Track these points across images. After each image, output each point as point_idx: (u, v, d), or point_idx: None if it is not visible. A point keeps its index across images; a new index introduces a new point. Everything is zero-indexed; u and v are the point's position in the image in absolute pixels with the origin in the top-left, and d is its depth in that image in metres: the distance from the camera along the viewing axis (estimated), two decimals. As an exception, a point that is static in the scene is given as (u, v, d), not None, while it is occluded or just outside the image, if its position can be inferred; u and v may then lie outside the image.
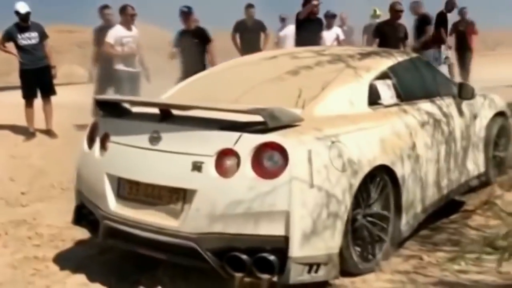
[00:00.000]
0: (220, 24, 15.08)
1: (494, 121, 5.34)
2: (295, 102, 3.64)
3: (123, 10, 7.98)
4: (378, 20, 10.35)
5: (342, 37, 10.21)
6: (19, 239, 4.74)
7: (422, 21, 9.64)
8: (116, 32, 7.88)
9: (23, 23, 7.71)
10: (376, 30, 8.87)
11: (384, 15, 9.85)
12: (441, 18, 10.26)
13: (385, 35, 8.58)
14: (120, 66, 7.90)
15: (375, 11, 10.51)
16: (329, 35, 9.81)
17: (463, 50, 10.84)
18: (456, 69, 10.75)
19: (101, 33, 8.24)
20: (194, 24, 8.34)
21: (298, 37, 8.27)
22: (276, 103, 3.38)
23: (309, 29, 8.18)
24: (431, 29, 9.59)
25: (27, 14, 7.68)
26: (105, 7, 8.50)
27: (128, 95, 7.44)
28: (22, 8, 7.65)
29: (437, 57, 9.76)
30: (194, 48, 7.95)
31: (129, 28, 7.95)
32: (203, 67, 7.84)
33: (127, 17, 7.95)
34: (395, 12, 8.65)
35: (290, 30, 10.49)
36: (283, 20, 11.09)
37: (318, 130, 3.33)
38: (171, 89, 4.41)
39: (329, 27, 9.99)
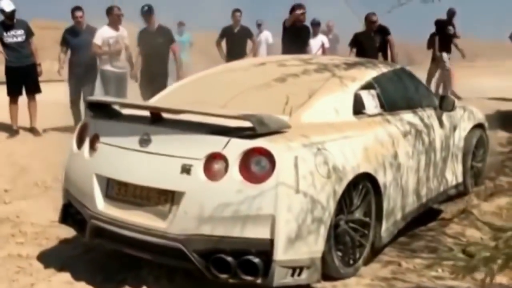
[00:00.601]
0: (209, 26, 15.21)
1: (473, 133, 5.50)
2: (282, 109, 3.73)
3: (109, 11, 8.00)
4: None
5: (327, 45, 10.35)
6: (3, 236, 4.74)
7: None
8: (103, 33, 7.91)
9: (9, 21, 7.72)
10: (353, 40, 9.14)
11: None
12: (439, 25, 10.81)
13: (362, 44, 8.88)
14: (107, 67, 7.92)
15: None
16: (314, 43, 9.95)
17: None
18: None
19: (70, 35, 8.24)
20: (157, 23, 8.12)
21: (284, 44, 8.36)
22: (264, 110, 3.47)
23: (295, 35, 8.27)
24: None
25: (13, 12, 7.69)
26: (76, 9, 8.25)
27: (115, 95, 7.47)
28: (7, 6, 7.66)
29: None
30: (157, 47, 7.89)
31: (116, 29, 7.98)
32: (165, 68, 7.89)
33: (114, 17, 7.97)
34: (370, 22, 8.96)
35: (264, 36, 10.64)
36: (259, 26, 11.20)
37: (305, 137, 3.43)
38: (161, 92, 4.47)
39: (315, 34, 10.12)
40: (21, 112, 7.96)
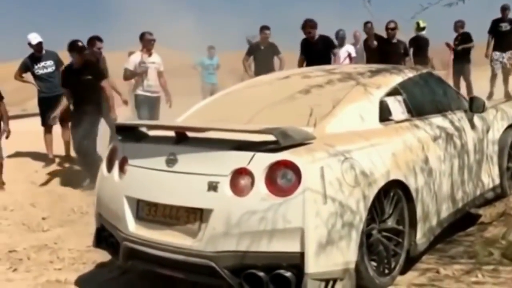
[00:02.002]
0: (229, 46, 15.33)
1: (508, 133, 5.36)
2: (306, 121, 3.71)
3: (142, 36, 8.12)
4: (423, 33, 10.43)
5: (353, 54, 10.30)
6: (41, 263, 4.84)
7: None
8: (136, 59, 8.03)
9: (37, 53, 7.93)
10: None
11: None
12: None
13: (383, 52, 9.01)
14: (139, 91, 8.03)
15: (418, 23, 10.44)
16: (341, 53, 9.90)
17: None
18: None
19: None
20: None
21: (304, 58, 8.44)
22: (288, 122, 3.46)
23: (314, 49, 8.29)
24: None
25: (39, 44, 7.90)
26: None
27: (146, 119, 7.54)
28: (34, 39, 7.89)
29: None
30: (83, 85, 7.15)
31: (149, 54, 8.08)
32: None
33: (146, 42, 8.08)
34: (387, 30, 9.28)
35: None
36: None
37: (330, 147, 3.40)
38: (186, 112, 4.52)
39: (341, 45, 10.10)
40: (55, 141, 8.12)
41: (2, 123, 7.14)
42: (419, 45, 10.31)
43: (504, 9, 10.77)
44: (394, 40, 9.38)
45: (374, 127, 3.89)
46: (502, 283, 3.61)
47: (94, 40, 7.82)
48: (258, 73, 8.95)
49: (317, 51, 8.36)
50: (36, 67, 7.92)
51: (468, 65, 10.70)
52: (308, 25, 8.40)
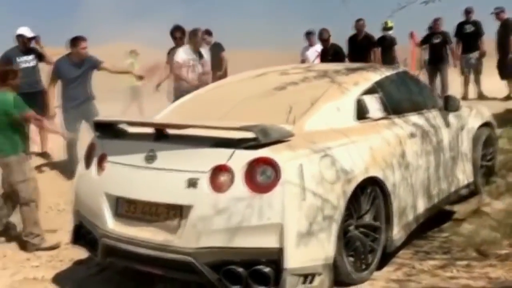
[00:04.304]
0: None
1: (481, 132, 5.47)
2: (286, 118, 3.75)
3: (194, 32, 7.91)
4: (390, 32, 10.55)
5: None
6: (18, 261, 4.80)
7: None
8: (185, 52, 7.81)
9: (23, 47, 7.77)
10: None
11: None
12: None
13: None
14: (184, 84, 7.64)
15: (386, 23, 10.54)
16: (310, 53, 10.00)
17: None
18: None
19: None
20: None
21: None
22: (267, 120, 3.49)
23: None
24: None
25: (32, 38, 7.77)
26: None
27: None
28: (29, 33, 7.71)
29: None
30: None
31: (196, 49, 7.84)
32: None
33: (195, 38, 7.88)
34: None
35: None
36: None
37: (309, 144, 3.44)
38: (165, 109, 4.52)
39: (311, 44, 10.18)
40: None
41: None
42: (386, 44, 10.43)
43: (467, 12, 10.98)
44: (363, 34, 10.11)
45: (351, 125, 3.94)
46: (476, 278, 3.70)
47: (78, 40, 7.41)
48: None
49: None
50: (18, 60, 7.77)
51: (445, 65, 10.79)
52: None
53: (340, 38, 10.27)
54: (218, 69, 9.35)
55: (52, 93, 7.39)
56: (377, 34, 10.56)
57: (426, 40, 11.03)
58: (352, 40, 10.26)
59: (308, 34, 10.25)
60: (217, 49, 9.72)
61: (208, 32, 9.86)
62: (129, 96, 13.52)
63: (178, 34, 8.44)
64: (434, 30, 10.84)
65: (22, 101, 5.14)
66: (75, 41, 7.21)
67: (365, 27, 10.23)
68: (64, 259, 4.71)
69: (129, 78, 11.16)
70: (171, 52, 8.39)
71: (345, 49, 10.14)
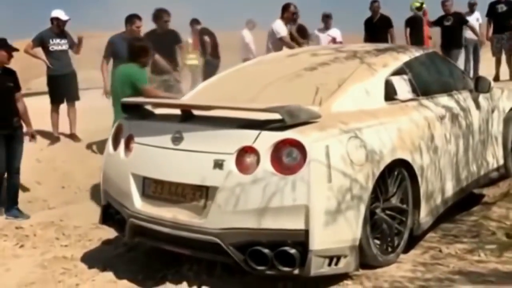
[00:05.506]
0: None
1: (513, 114, 5.35)
2: (312, 99, 3.72)
3: (286, 7, 8.08)
4: (419, 13, 10.36)
5: (339, 39, 9.99)
6: (48, 240, 4.89)
7: None
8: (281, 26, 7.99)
9: (57, 29, 7.85)
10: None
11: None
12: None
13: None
14: None
15: (415, 3, 10.30)
16: (323, 36, 9.82)
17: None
18: None
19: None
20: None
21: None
22: (294, 101, 3.46)
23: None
24: None
25: (66, 21, 7.88)
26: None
27: None
28: (64, 15, 7.83)
29: None
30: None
31: (286, 24, 8.02)
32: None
33: (289, 15, 8.05)
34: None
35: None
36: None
37: (335, 126, 3.41)
38: (192, 90, 4.52)
39: (327, 27, 10.00)
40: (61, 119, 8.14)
41: (23, 123, 5.99)
42: (416, 25, 10.25)
43: None
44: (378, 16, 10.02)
45: (379, 106, 3.89)
46: (505, 262, 3.64)
47: (133, 18, 7.29)
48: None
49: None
50: (51, 42, 7.86)
51: (457, 50, 10.47)
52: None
53: (358, 21, 10.25)
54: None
55: (105, 70, 7.30)
56: (400, 14, 10.44)
57: (437, 22, 10.68)
58: (368, 22, 10.14)
59: (326, 17, 10.04)
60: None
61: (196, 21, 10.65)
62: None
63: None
64: (445, 12, 10.55)
65: (145, 75, 5.43)
66: (131, 19, 7.14)
67: (380, 9, 10.06)
68: (93, 238, 4.79)
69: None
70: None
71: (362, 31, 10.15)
